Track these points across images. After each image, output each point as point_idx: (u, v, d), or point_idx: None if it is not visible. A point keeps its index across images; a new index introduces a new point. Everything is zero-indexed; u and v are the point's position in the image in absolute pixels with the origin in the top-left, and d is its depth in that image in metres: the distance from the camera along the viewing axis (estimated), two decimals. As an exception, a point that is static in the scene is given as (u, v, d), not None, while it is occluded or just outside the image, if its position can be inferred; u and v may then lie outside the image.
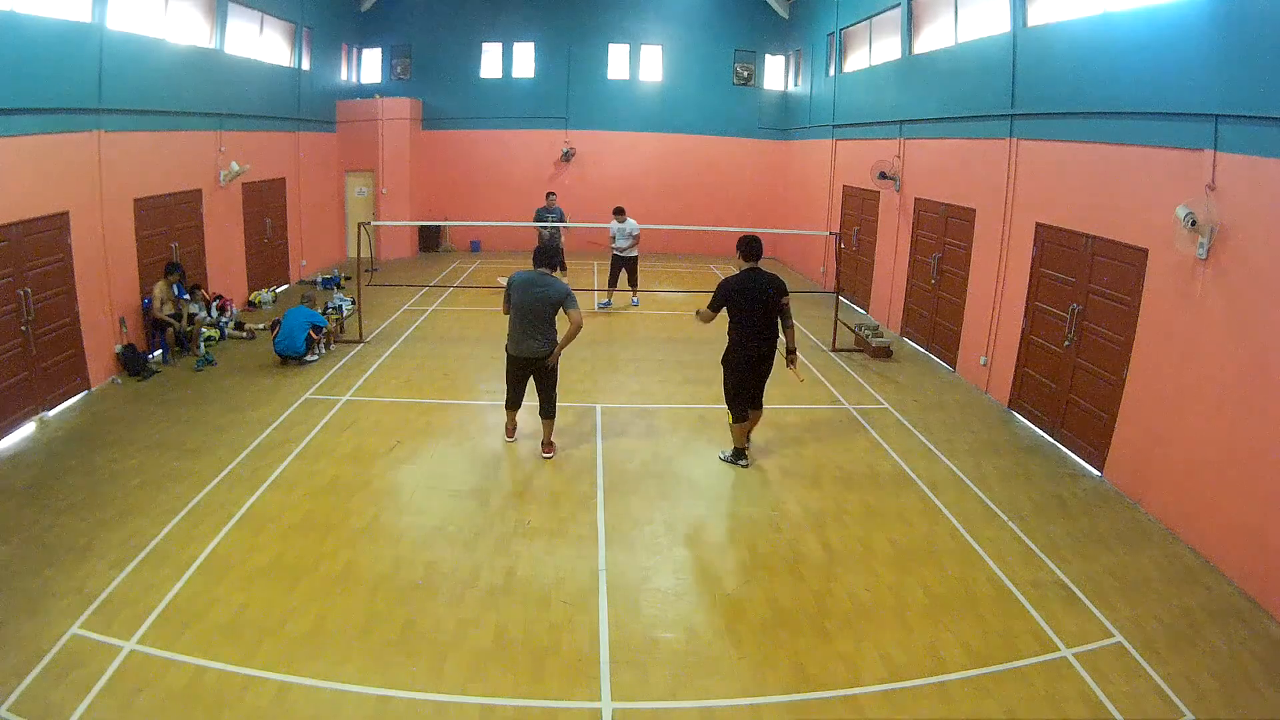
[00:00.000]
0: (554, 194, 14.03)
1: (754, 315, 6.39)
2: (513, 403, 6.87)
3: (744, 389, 6.55)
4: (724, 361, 6.61)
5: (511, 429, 7.11)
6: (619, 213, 12.55)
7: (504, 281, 6.59)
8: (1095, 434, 6.95)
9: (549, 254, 6.57)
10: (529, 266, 6.56)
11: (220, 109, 11.12)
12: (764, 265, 6.60)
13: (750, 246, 6.56)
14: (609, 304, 12.77)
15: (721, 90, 18.45)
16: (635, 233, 12.34)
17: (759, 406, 6.73)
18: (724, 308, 6.44)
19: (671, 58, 18.37)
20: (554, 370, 6.66)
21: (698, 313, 6.61)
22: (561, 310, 6.44)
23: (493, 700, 3.99)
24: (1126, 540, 5.75)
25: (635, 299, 13.00)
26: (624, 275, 12.63)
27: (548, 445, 6.86)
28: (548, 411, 6.76)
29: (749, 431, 6.77)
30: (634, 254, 12.51)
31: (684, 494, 6.30)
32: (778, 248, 18.58)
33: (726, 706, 3.99)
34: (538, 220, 13.12)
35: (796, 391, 8.67)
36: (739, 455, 6.79)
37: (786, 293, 6.47)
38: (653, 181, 18.22)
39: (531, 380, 6.73)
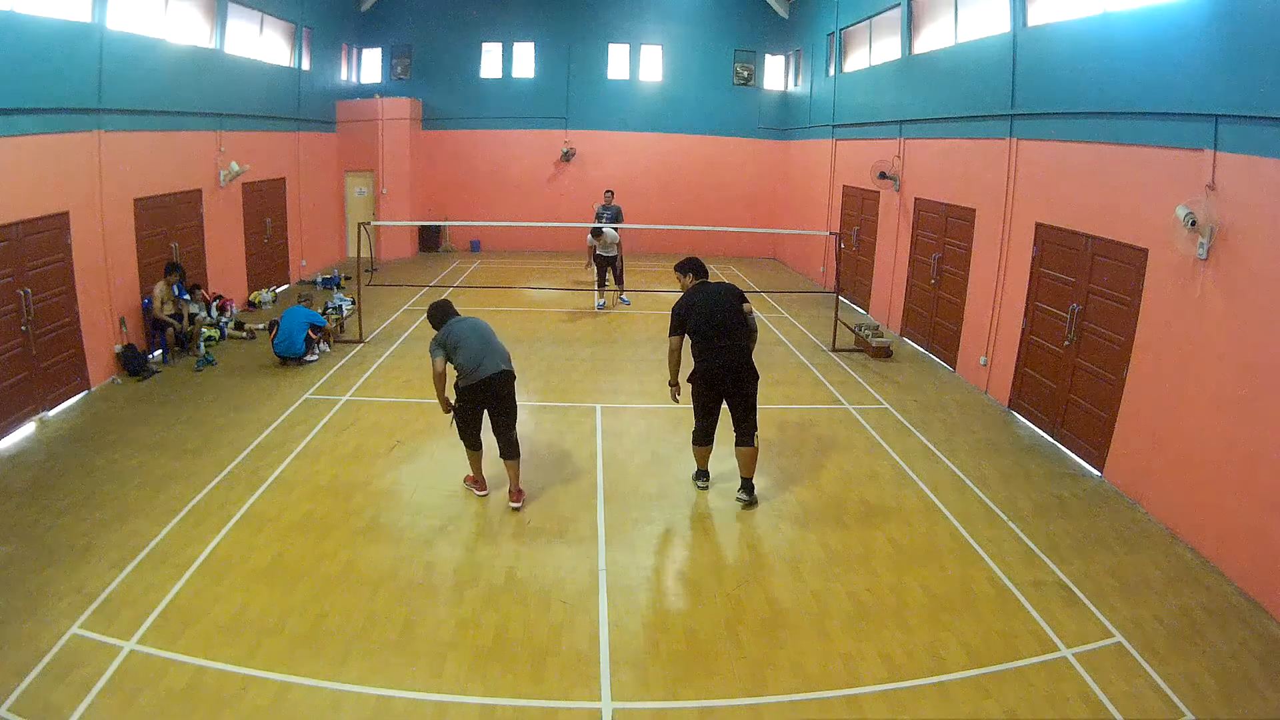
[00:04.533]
0: (611, 191, 14.29)
1: (713, 329, 5.82)
2: (476, 442, 5.95)
3: (709, 420, 6.04)
4: (689, 379, 6.02)
5: (483, 481, 6.12)
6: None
7: (438, 358, 5.68)
8: (1095, 434, 6.95)
9: (449, 305, 5.96)
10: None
11: (220, 109, 11.12)
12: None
13: (696, 264, 6.25)
14: (604, 304, 12.81)
15: (721, 90, 18.45)
16: (615, 239, 12.50)
17: (748, 444, 5.95)
18: (684, 330, 5.92)
19: (671, 58, 18.36)
20: (514, 396, 5.86)
21: (669, 352, 6.03)
22: None
23: (493, 700, 3.98)
24: (1126, 540, 5.75)
25: (625, 298, 13.05)
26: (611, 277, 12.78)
27: (516, 493, 5.95)
28: (511, 451, 5.87)
29: (747, 473, 6.08)
30: (613, 254, 12.58)
31: (684, 494, 6.29)
32: (778, 248, 18.59)
33: (726, 706, 3.99)
34: (597, 219, 13.38)
35: (797, 392, 8.68)
36: (699, 475, 6.38)
37: (745, 298, 6.00)
38: (653, 181, 18.22)
39: (488, 418, 5.84)
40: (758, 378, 6.00)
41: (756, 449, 6.01)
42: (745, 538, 5.67)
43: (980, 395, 8.92)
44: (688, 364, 6.03)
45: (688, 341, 5.95)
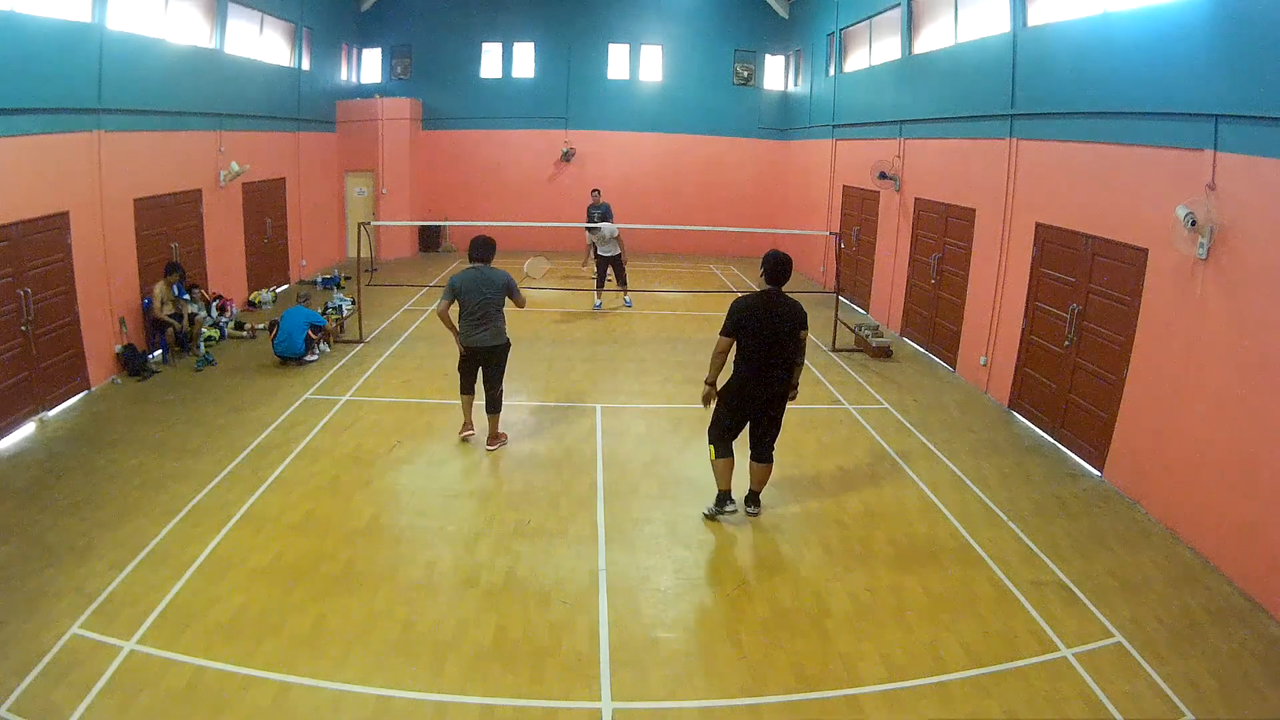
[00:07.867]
0: (599, 190, 14.38)
1: (765, 348, 5.42)
2: (467, 387, 6.99)
3: (735, 429, 5.69)
4: (721, 392, 5.64)
5: (470, 423, 7.12)
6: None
7: (444, 300, 6.58)
8: (1095, 434, 6.95)
9: (486, 247, 6.71)
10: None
11: (220, 109, 11.12)
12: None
13: (775, 266, 5.52)
14: (600, 305, 12.79)
15: (721, 90, 18.44)
16: (614, 234, 12.42)
17: (766, 460, 5.77)
18: (737, 334, 5.44)
19: (671, 58, 18.37)
20: (502, 364, 6.84)
21: (715, 353, 5.53)
22: (509, 297, 6.71)
23: (493, 700, 3.98)
24: (1126, 540, 5.75)
25: (628, 299, 12.97)
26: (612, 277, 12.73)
27: (493, 438, 6.97)
28: (492, 408, 6.91)
29: (759, 486, 5.90)
30: (616, 252, 12.51)
31: (684, 494, 6.28)
32: (778, 248, 18.51)
33: (726, 706, 3.99)
34: (589, 218, 13.43)
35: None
36: (722, 500, 5.74)
37: (806, 326, 5.58)
38: (653, 181, 18.22)
39: (480, 375, 6.89)
40: (788, 398, 5.71)
41: (771, 466, 5.83)
42: (745, 538, 5.67)
43: (980, 395, 8.92)
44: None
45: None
